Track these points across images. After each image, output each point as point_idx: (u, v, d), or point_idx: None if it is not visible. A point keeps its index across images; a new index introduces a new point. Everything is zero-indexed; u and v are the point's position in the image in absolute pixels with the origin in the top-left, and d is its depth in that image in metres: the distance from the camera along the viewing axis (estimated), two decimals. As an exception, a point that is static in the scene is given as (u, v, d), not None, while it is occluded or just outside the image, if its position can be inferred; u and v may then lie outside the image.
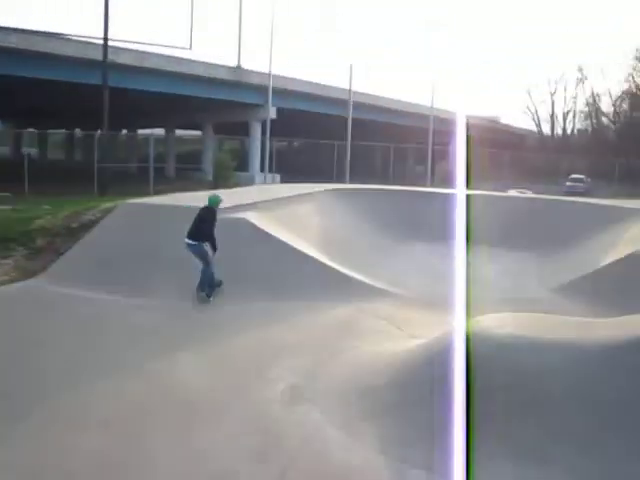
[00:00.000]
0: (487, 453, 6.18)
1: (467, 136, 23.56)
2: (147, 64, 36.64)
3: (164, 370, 8.33)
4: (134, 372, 8.24)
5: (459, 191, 16.88)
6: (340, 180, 38.17)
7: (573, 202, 20.90)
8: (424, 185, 30.70)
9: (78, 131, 60.63)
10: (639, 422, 6.29)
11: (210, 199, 11.99)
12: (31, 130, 64.58)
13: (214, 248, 11.49)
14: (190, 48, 36.22)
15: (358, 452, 6.48)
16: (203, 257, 11.53)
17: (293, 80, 46.13)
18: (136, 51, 35.97)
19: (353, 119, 45.73)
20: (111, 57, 30.10)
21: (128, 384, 7.89)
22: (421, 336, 9.02)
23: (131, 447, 6.46)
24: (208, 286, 11.60)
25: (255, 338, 9.66)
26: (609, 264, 13.45)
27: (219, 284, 11.76)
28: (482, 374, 6.70)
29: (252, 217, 13.50)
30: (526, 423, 6.41)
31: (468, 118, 47.71)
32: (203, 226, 11.52)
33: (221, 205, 12.21)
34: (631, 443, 6.09)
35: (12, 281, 12.03)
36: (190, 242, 11.48)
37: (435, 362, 7.21)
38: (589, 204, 19.75)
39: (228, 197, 15.88)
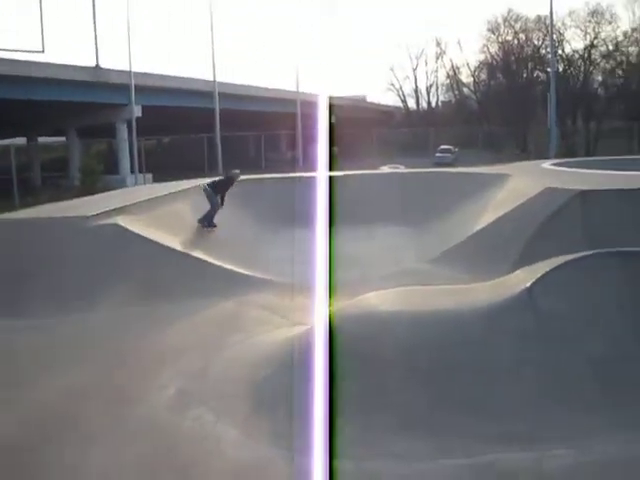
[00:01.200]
0: (376, 428, 6.23)
1: (335, 117, 23.77)
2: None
3: (43, 387, 7.94)
4: (13, 390, 7.83)
5: (329, 173, 17.02)
6: (213, 174, 37.71)
7: (443, 173, 21.54)
8: (296, 170, 30.75)
9: None
10: (523, 382, 6.53)
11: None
12: None
13: (222, 201, 16.13)
14: (43, 51, 34.80)
15: (251, 448, 6.39)
16: (212, 202, 15.81)
17: (156, 76, 45.25)
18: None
19: (222, 110, 45.35)
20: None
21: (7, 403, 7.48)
22: (305, 322, 9.01)
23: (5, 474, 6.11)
24: (207, 222, 15.62)
25: (138, 344, 9.37)
26: (481, 229, 13.90)
27: (214, 225, 15.70)
28: (366, 352, 6.76)
29: (123, 221, 13.11)
30: (413, 394, 6.51)
31: (335, 99, 48.21)
32: (222, 184, 16.30)
33: (95, 212, 13.09)
34: (516, 403, 6.30)
35: None
36: (208, 189, 15.99)
37: (320, 347, 7.20)
38: (457, 173, 20.41)
39: (97, 203, 15.43)
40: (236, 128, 50.02)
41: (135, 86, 39.57)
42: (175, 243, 13.16)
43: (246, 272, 12.70)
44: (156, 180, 35.63)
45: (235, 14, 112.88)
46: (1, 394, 7.81)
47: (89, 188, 30.43)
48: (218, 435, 6.65)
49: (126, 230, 12.73)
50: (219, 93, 45.12)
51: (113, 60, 76.13)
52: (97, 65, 41.91)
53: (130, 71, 39.27)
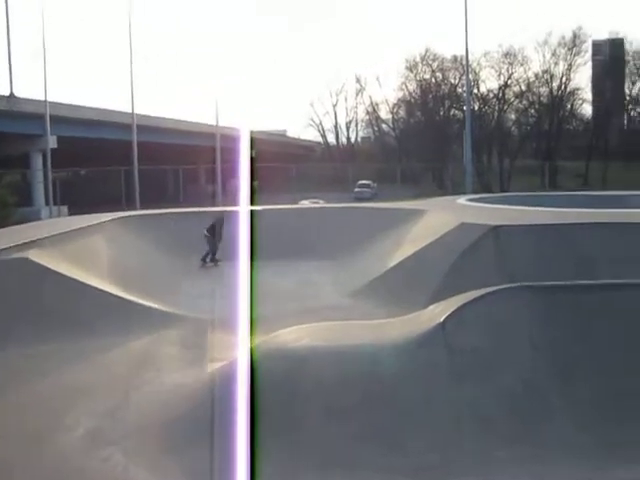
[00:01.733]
0: (296, 466, 6.15)
1: (256, 151, 23.78)
2: None
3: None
4: None
5: (248, 208, 16.98)
6: (131, 207, 37.16)
7: (361, 207, 21.79)
8: (215, 204, 30.59)
9: None
10: (436, 416, 6.57)
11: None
12: None
13: (220, 237, 17.28)
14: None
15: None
16: (210, 244, 17.33)
17: (73, 106, 44.56)
18: None
19: (140, 143, 44.80)
20: None
21: None
22: (220, 359, 8.86)
23: None
24: (210, 258, 17.29)
25: (46, 383, 9.01)
26: (398, 263, 14.06)
27: (217, 260, 17.21)
28: (283, 389, 6.69)
29: (35, 255, 12.68)
30: (331, 430, 6.46)
31: (255, 134, 48.35)
32: (216, 227, 17.45)
33: (5, 245, 12.75)
34: (429, 437, 6.32)
35: None
36: (207, 234, 17.41)
37: (236, 384, 7.09)
38: (375, 208, 20.67)
39: (8, 236, 14.93)
40: (155, 161, 49.44)
41: (50, 116, 38.77)
42: (88, 278, 12.80)
43: (161, 308, 12.44)
44: (72, 213, 34.81)
45: (155, 47, 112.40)
46: None
47: (1, 220, 29.48)
48: (129, 477, 6.44)
49: (37, 264, 12.31)
50: (138, 125, 44.61)
51: (28, 89, 74.72)
52: (11, 94, 40.98)
53: (45, 101, 38.48)
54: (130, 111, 45.23)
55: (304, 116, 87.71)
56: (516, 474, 6.03)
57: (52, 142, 39.73)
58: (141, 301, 12.49)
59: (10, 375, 9.37)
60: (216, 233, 17.42)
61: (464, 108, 58.42)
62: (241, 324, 10.11)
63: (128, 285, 13.31)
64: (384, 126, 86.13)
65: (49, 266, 12.42)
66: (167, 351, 10.28)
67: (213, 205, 28.91)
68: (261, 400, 6.60)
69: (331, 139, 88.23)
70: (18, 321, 11.04)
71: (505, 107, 76.02)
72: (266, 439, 6.27)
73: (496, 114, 75.35)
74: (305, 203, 34.08)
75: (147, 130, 47.30)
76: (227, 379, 7.31)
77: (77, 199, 41.07)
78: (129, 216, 19.96)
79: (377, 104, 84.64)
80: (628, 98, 77.05)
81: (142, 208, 36.29)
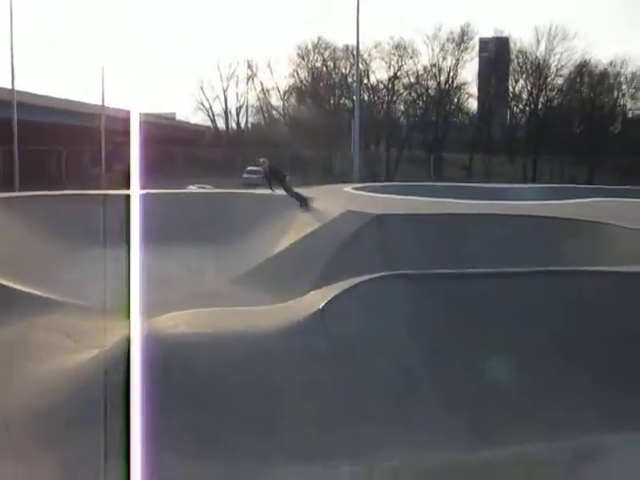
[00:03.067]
0: (171, 457, 6.09)
1: (143, 135, 23.30)
2: None
3: None
4: None
5: (132, 192, 16.60)
6: (9, 189, 35.64)
7: (247, 193, 21.73)
8: (99, 187, 29.80)
9: None
10: (313, 402, 6.65)
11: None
12: None
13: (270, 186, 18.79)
14: None
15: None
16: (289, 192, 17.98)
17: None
18: None
19: (20, 121, 42.95)
20: None
21: None
22: (98, 346, 8.65)
23: None
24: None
25: None
26: (282, 250, 14.14)
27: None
28: (159, 377, 6.60)
29: None
30: (203, 416, 6.44)
31: (143, 116, 47.27)
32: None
33: None
34: (305, 423, 6.40)
35: None
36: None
37: (112, 371, 6.95)
38: (262, 194, 20.62)
39: None
40: (36, 141, 47.59)
41: None
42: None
43: (38, 292, 12.02)
44: None
45: (36, 20, 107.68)
46: None
47: None
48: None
49: None
50: (18, 102, 42.75)
51: None
52: None
53: None
54: (10, 87, 43.32)
55: (193, 100, 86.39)
56: (390, 457, 6.20)
57: None
58: (17, 286, 12.02)
59: None
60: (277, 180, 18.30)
61: (354, 98, 59.09)
62: (121, 310, 9.91)
63: (4, 270, 12.77)
64: (275, 113, 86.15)
65: None
66: (43, 338, 9.94)
67: (98, 188, 28.10)
68: (136, 387, 6.50)
69: (221, 124, 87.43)
70: None
71: (394, 98, 77.45)
72: (137, 426, 6.18)
73: (385, 105, 76.67)
74: (192, 188, 33.65)
75: (29, 108, 45.37)
76: (102, 366, 7.16)
77: None
78: (6, 197, 19.20)
79: (268, 90, 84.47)
80: (511, 95, 79.95)
81: (22, 190, 34.86)
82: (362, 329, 7.29)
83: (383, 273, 8.08)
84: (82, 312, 11.25)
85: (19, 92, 43.81)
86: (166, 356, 6.75)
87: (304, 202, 17.16)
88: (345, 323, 7.25)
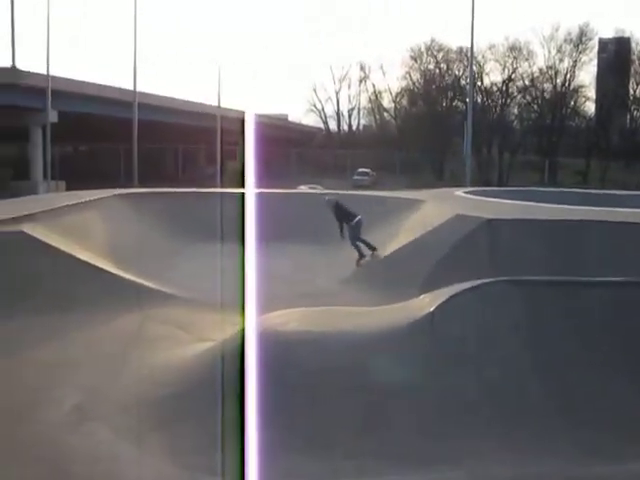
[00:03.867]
0: (279, 451, 6.21)
1: (256, 135, 23.72)
2: None
3: None
4: None
5: (247, 190, 16.96)
6: (129, 185, 37.13)
7: (359, 195, 21.79)
8: (214, 186, 30.56)
9: None
10: (420, 404, 6.63)
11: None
12: None
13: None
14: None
15: (150, 465, 6.28)
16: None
17: (75, 81, 44.24)
18: None
19: (141, 120, 44.64)
20: None
21: None
22: (210, 339, 8.93)
23: None
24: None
25: (35, 357, 9.07)
26: (391, 252, 14.13)
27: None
28: (269, 373, 6.73)
29: (30, 229, 12.72)
30: (313, 415, 6.53)
31: (257, 117, 48.16)
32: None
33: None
34: (412, 426, 6.39)
35: None
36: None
37: (223, 365, 7.15)
38: (373, 196, 20.68)
39: (3, 208, 14.94)
40: (155, 140, 49.33)
41: (52, 90, 38.51)
42: (82, 253, 12.83)
43: (154, 286, 12.50)
44: (69, 188, 34.78)
45: (159, 24, 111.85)
46: None
47: (-2, 193, 29.46)
48: (115, 453, 6.50)
49: (32, 238, 12.34)
50: (139, 103, 44.43)
51: (30, 62, 74.30)
52: (13, 66, 40.73)
53: (48, 74, 38.23)
54: (132, 88, 45.10)
55: (306, 101, 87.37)
56: (498, 464, 6.11)
57: (53, 116, 39.49)
58: (134, 278, 12.53)
59: (1, 346, 9.43)
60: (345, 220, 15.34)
61: (467, 100, 58.29)
62: (233, 305, 10.17)
63: (122, 262, 13.35)
64: (386, 115, 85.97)
65: (43, 240, 12.45)
66: (157, 329, 10.33)
67: (213, 186, 28.83)
68: (246, 381, 6.66)
69: (332, 126, 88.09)
70: (10, 293, 11.08)
71: (508, 101, 75.81)
72: (247, 421, 6.32)
73: (499, 108, 75.16)
74: (303, 188, 34.05)
75: (148, 108, 47.07)
76: (215, 359, 7.37)
77: (75, 175, 40.98)
78: (127, 193, 19.99)
79: (380, 92, 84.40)
80: (632, 98, 76.76)
81: (140, 186, 36.26)
82: (472, 334, 7.22)
83: (495, 279, 7.96)
84: (195, 306, 11.61)
85: (140, 93, 45.56)
86: (278, 352, 6.89)
87: (361, 257, 14.94)
88: (455, 327, 7.20)
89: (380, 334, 7.19)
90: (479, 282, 7.81)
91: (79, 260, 12.45)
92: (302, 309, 8.43)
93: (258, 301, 10.32)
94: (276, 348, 6.95)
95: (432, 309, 7.28)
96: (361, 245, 14.95)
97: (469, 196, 19.73)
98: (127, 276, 12.54)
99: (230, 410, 6.53)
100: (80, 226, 14.65)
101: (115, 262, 13.21)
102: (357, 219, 15.24)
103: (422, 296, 8.52)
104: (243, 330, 7.63)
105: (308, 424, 6.51)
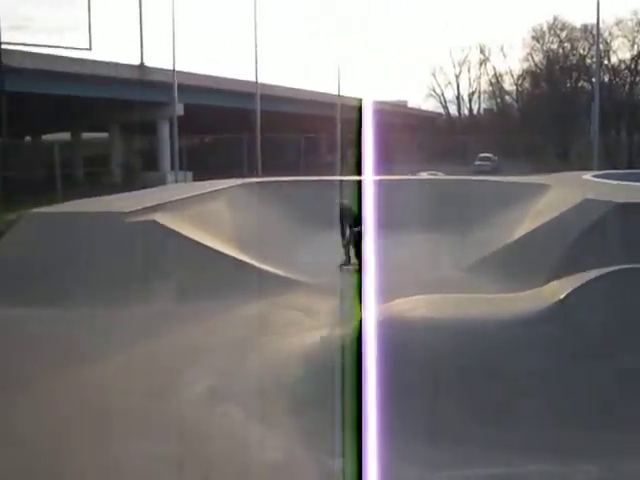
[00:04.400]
0: (406, 436, 6.23)
1: (376, 122, 23.72)
2: (45, 66, 35.55)
3: (78, 378, 8.09)
4: (48, 380, 7.97)
5: (367, 178, 16.99)
6: (252, 174, 37.97)
7: (481, 181, 21.43)
8: (334, 174, 30.81)
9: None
10: (550, 394, 6.49)
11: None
12: None
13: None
14: (90, 49, 35.32)
15: (281, 447, 6.44)
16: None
17: (199, 75, 45.63)
18: (33, 53, 34.89)
19: (262, 111, 45.53)
20: (7, 61, 29.12)
21: (42, 393, 7.63)
22: (337, 325, 9.04)
23: (40, 462, 6.21)
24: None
25: (169, 341, 9.49)
26: (518, 239, 13.82)
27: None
28: (397, 358, 6.77)
29: (161, 218, 13.25)
30: (439, 402, 6.51)
31: (376, 104, 48.12)
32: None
33: (133, 208, 13.39)
34: (542, 416, 6.26)
35: None
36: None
37: (351, 350, 7.23)
38: (496, 181, 20.28)
39: (136, 199, 15.63)
40: (275, 129, 50.18)
41: (178, 85, 39.85)
42: (211, 241, 13.25)
43: (280, 273, 12.78)
44: (196, 178, 35.90)
45: (277, 15, 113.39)
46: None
47: (129, 184, 30.80)
48: (246, 433, 6.72)
49: (163, 227, 12.85)
50: (261, 94, 45.33)
51: (155, 59, 76.86)
52: (142, 63, 42.37)
53: (173, 70, 39.53)
54: (253, 80, 46.02)
55: (425, 86, 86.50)
56: (631, 459, 5.91)
57: (179, 110, 40.86)
58: (260, 265, 12.84)
59: (133, 331, 9.90)
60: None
61: (593, 80, 56.02)
62: (358, 291, 10.26)
63: (248, 249, 13.70)
64: (507, 98, 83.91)
65: (174, 228, 12.94)
66: (284, 315, 10.57)
67: (333, 174, 29.08)
68: (376, 367, 6.71)
69: (452, 110, 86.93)
70: (142, 280, 11.59)
71: (638, 79, 72.31)
72: (380, 406, 6.38)
73: (627, 86, 71.77)
74: (424, 175, 33.79)
75: (269, 98, 47.94)
76: (344, 345, 7.46)
77: (201, 165, 42.26)
78: (251, 182, 20.47)
79: (501, 75, 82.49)
80: None
81: (263, 175, 37.01)
82: (604, 322, 6.99)
83: (628, 265, 7.66)
84: (320, 292, 11.79)
85: (262, 85, 46.44)
86: (404, 339, 6.90)
87: (346, 263, 14.16)
88: (586, 315, 6.98)
89: (511, 321, 7.06)
90: (610, 269, 7.54)
91: (207, 248, 12.87)
92: (428, 295, 8.40)
93: (380, 288, 10.40)
94: (404, 334, 6.97)
95: (563, 296, 7.08)
96: (352, 252, 14.20)
97: (597, 180, 19.00)
98: (253, 263, 12.86)
99: (354, 395, 6.61)
100: (207, 215, 15.12)
101: (241, 249, 13.57)
102: (362, 228, 13.76)
103: (552, 283, 8.31)
104: (367, 316, 7.69)
105: (434, 411, 6.49)
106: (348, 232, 14.37)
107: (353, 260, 14.13)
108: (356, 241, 14.04)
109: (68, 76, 36.74)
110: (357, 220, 14.00)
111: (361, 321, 7.70)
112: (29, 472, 6.08)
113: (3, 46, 28.84)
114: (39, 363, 8.63)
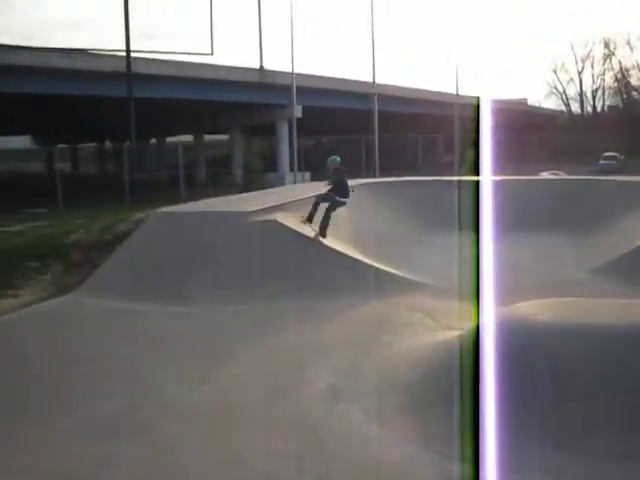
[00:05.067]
0: (527, 443, 6.10)
1: (494, 121, 23.32)
2: (171, 72, 36.92)
3: (205, 375, 8.35)
4: (176, 378, 8.27)
5: (486, 178, 16.75)
6: (370, 174, 38.05)
7: (607, 181, 20.66)
8: (453, 174, 30.44)
9: (108, 143, 61.25)
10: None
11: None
12: (62, 146, 65.04)
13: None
14: (212, 54, 36.47)
15: (399, 448, 6.43)
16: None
17: (316, 77, 46.08)
18: (159, 60, 36.31)
19: (378, 111, 45.54)
20: (134, 68, 30.42)
21: (170, 389, 7.91)
22: (457, 327, 8.95)
23: (166, 452, 6.44)
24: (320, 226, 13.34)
25: (291, 339, 9.66)
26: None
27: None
28: (519, 363, 6.63)
29: (281, 218, 13.50)
30: (565, 409, 6.32)
31: (495, 102, 47.25)
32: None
33: (255, 207, 13.94)
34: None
35: (50, 297, 12.11)
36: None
37: (472, 353, 7.14)
38: (623, 182, 19.49)
39: (257, 199, 15.99)
40: (392, 130, 50.08)
41: (296, 87, 40.42)
42: (329, 241, 13.36)
43: (399, 273, 12.76)
44: (314, 179, 36.28)
45: (392, 15, 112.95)
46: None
47: (250, 184, 31.50)
48: (365, 432, 6.75)
49: (284, 227, 13.08)
50: (377, 94, 45.34)
51: (272, 61, 78.19)
52: (261, 67, 43.23)
53: (292, 72, 40.11)
54: (369, 80, 46.11)
55: (546, 84, 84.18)
56: None
57: (297, 111, 41.42)
58: (380, 266, 12.86)
59: (255, 328, 10.13)
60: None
61: None
62: (478, 293, 10.14)
63: (367, 249, 13.74)
64: (634, 94, 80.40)
65: (294, 228, 13.15)
66: (405, 316, 10.54)
67: (451, 174, 28.77)
68: (496, 371, 6.60)
69: (575, 108, 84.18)
70: (263, 278, 11.84)
71: None
72: (496, 410, 6.28)
73: None
74: (545, 174, 32.89)
75: (385, 99, 47.87)
76: (465, 347, 7.38)
77: (319, 166, 42.58)
78: (369, 182, 20.51)
79: (627, 70, 79.13)
80: None
81: (381, 175, 37.03)
82: None
83: None
84: (440, 293, 11.70)
85: (379, 85, 46.46)
86: (528, 343, 6.75)
87: (321, 232, 13.32)
88: None
89: (636, 328, 6.77)
90: None
91: (327, 247, 13.00)
92: (552, 299, 8.16)
93: (501, 290, 10.23)
94: (526, 338, 6.81)
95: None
96: (329, 221, 13.45)
97: None
98: (372, 263, 12.89)
99: (478, 399, 6.52)
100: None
101: (360, 249, 13.63)
102: (346, 200, 13.76)
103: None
104: (488, 319, 7.57)
105: (558, 417, 6.31)
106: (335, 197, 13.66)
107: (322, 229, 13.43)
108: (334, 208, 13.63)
109: (192, 80, 38.00)
110: (346, 191, 13.73)
111: (482, 324, 7.60)
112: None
113: (132, 54, 30.10)
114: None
